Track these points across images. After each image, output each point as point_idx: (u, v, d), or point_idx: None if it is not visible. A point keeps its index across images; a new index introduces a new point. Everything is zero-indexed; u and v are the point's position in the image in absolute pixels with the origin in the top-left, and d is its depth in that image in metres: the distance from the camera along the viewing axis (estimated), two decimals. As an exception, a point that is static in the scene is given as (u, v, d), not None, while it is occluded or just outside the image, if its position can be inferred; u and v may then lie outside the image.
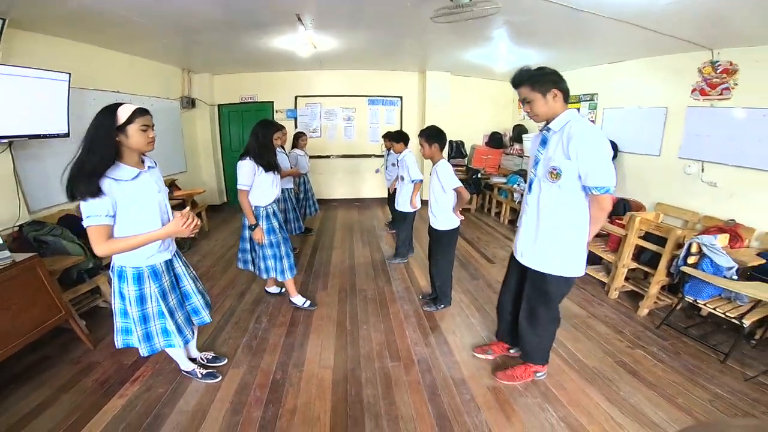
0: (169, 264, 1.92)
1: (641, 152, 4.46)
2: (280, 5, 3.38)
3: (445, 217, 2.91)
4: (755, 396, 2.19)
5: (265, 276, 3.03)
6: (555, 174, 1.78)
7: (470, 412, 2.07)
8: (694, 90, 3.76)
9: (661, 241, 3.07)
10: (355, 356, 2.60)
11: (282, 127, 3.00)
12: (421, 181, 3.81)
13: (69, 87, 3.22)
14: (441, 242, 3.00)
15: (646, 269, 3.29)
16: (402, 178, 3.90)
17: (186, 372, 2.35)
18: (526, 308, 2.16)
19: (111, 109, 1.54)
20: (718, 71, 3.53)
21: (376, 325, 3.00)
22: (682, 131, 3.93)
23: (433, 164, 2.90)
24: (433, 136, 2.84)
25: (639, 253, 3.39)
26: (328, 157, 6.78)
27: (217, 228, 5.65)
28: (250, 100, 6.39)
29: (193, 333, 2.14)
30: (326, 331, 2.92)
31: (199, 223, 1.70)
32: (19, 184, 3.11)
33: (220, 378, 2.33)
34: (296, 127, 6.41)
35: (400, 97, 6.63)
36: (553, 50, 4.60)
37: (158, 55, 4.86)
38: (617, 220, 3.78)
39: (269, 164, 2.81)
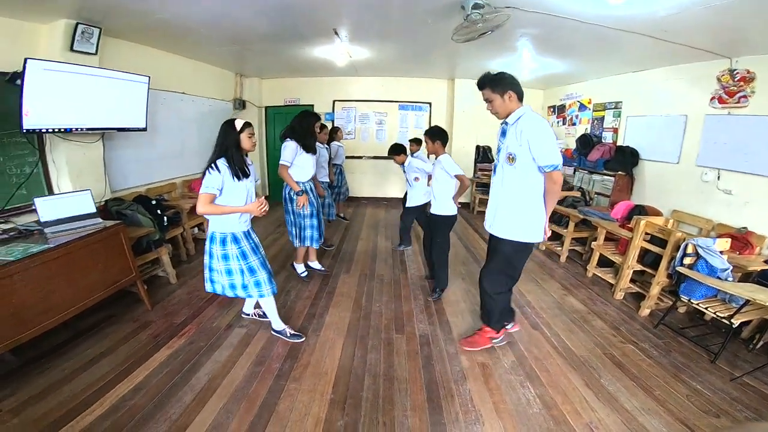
0: (247, 235, 2.45)
1: (661, 159, 4.41)
2: (319, 21, 3.72)
3: (445, 204, 3.20)
4: (736, 395, 2.19)
5: (308, 243, 3.42)
6: (512, 158, 2.12)
7: (457, 381, 2.28)
8: (713, 98, 3.72)
9: (665, 244, 3.09)
10: (366, 327, 2.88)
11: (320, 118, 3.40)
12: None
13: (148, 88, 3.75)
14: (439, 226, 3.29)
15: (651, 272, 3.29)
16: (416, 179, 4.18)
17: (276, 332, 2.70)
18: (486, 271, 2.43)
19: (232, 122, 2.25)
20: (735, 79, 3.49)
21: (388, 304, 3.26)
22: (700, 139, 3.88)
23: (436, 158, 3.24)
24: (436, 134, 3.19)
25: (644, 256, 3.40)
26: (360, 157, 7.13)
27: (260, 218, 6.15)
28: (293, 103, 6.86)
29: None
30: (344, 305, 3.22)
31: (267, 209, 2.32)
32: (105, 169, 3.68)
33: (304, 338, 2.68)
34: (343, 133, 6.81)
35: (429, 103, 6.84)
36: (575, 59, 4.63)
37: (216, 61, 5.40)
38: (627, 225, 3.79)
39: (308, 146, 3.25)
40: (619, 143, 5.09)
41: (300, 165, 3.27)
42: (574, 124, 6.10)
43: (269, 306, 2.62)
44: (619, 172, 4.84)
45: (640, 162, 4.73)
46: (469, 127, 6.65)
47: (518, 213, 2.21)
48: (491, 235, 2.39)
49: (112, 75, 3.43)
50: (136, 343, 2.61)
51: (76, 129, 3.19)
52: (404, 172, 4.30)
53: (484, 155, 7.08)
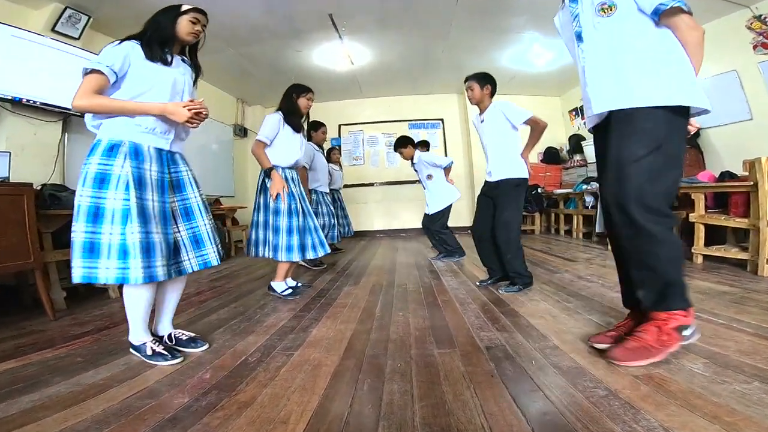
0: (164, 157, 1.37)
1: (728, 122, 3.56)
2: (314, 4, 3.24)
3: (511, 163, 2.14)
4: None
5: (286, 256, 2.17)
6: (607, 7, 1.17)
7: (616, 415, 0.85)
8: (755, 46, 3.29)
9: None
10: (381, 341, 1.47)
11: (308, 89, 2.40)
12: (452, 163, 3.47)
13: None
14: (508, 195, 2.12)
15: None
16: (429, 177, 3.35)
17: (133, 347, 1.37)
18: (632, 193, 1.11)
19: (176, 4, 1.44)
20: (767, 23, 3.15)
21: (418, 312, 1.85)
22: (766, 86, 3.25)
23: (481, 111, 2.26)
24: (487, 77, 2.21)
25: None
26: (371, 184, 6.03)
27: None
28: (298, 132, 6.09)
29: (173, 272, 1.32)
30: (346, 316, 1.84)
31: (205, 114, 1.35)
32: (63, 158, 2.91)
33: (178, 360, 1.32)
34: (341, 154, 5.90)
35: (441, 120, 5.94)
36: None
37: (215, 80, 4.73)
38: (730, 180, 2.61)
39: (294, 123, 2.31)
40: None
41: (281, 146, 2.25)
42: (605, 118, 5.03)
43: (133, 301, 1.32)
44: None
45: (702, 133, 3.73)
46: (489, 143, 5.63)
47: (652, 63, 1.11)
48: (616, 118, 1.16)
49: (89, 57, 2.84)
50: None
51: (28, 101, 2.57)
52: (415, 171, 3.50)
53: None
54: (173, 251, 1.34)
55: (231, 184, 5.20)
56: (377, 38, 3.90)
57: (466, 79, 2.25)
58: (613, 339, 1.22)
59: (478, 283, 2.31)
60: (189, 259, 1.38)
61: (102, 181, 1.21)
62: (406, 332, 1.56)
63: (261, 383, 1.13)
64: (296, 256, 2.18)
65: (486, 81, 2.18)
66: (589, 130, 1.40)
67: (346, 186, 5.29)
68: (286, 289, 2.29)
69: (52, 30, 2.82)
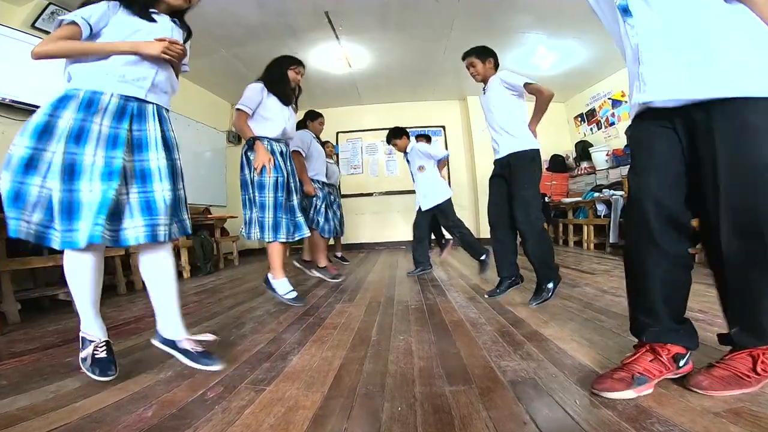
0: (129, 110, 1.15)
1: None
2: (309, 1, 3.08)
3: (520, 135, 1.91)
4: None
5: (267, 237, 2.02)
6: None
7: None
8: None
9: None
10: (378, 374, 1.18)
11: (297, 61, 2.20)
12: (448, 156, 3.44)
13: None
14: (525, 170, 1.88)
15: None
16: (421, 168, 3.14)
17: (83, 335, 1.17)
18: (740, 210, 0.84)
19: None
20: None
21: (422, 336, 1.56)
22: None
23: (485, 85, 2.06)
24: (487, 50, 2.04)
25: None
26: (371, 194, 5.79)
27: (246, 262, 4.66)
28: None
29: (115, 240, 1.12)
30: (336, 340, 1.54)
31: (182, 51, 1.19)
32: None
33: (108, 378, 1.11)
34: (338, 164, 5.68)
35: (443, 127, 5.75)
36: (595, 36, 3.56)
37: (207, 83, 4.54)
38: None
39: (280, 92, 2.07)
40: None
41: (265, 115, 2.05)
42: (612, 124, 4.81)
43: (69, 268, 1.13)
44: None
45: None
46: (491, 151, 5.41)
47: (746, 41, 0.83)
48: (716, 113, 0.84)
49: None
50: None
51: (-2, 98, 2.43)
52: (407, 162, 3.32)
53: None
54: (118, 218, 1.13)
55: (223, 193, 4.95)
56: (376, 39, 3.73)
57: (465, 56, 2.07)
58: (627, 383, 0.91)
59: (486, 296, 2.04)
60: (133, 227, 1.13)
61: (44, 132, 1.05)
62: (408, 362, 1.27)
63: (215, 428, 0.85)
64: (284, 235, 1.98)
65: (487, 54, 2.02)
66: (634, 119, 1.05)
67: (343, 196, 5.07)
68: (289, 292, 2.06)
69: (32, 26, 2.73)
